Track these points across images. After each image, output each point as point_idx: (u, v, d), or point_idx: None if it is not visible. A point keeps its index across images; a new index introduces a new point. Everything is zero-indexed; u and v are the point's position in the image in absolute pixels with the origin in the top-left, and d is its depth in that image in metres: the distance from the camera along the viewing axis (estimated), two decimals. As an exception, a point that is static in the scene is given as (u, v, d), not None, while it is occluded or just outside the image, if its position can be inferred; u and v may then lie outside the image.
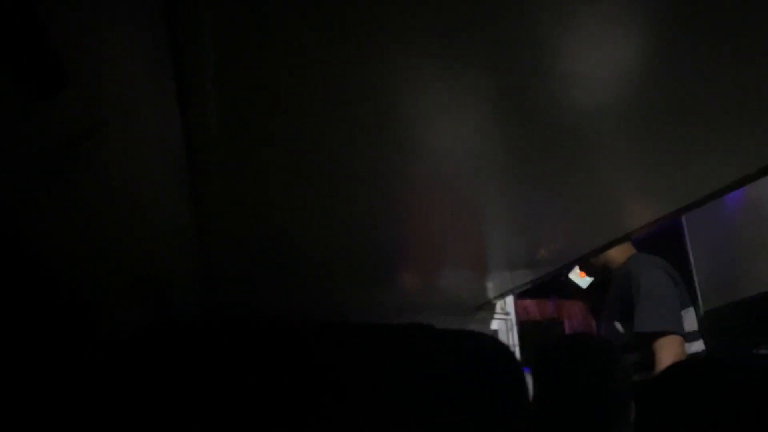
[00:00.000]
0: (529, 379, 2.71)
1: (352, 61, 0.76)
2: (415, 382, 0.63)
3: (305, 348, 0.64)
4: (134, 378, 0.63)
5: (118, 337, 0.94)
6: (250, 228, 1.25)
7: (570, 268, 1.68)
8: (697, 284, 2.79)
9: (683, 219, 2.94)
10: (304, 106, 0.84)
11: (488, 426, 0.63)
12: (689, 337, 2.31)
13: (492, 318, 2.19)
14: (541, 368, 1.53)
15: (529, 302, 4.74)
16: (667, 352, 2.15)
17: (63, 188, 0.73)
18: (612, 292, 2.50)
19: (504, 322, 2.21)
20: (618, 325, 2.42)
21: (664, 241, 2.69)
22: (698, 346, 2.34)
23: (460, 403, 0.63)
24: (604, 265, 2.52)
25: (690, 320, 2.35)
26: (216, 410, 0.59)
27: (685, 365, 0.76)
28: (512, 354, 0.69)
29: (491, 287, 1.95)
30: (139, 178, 0.86)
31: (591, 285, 2.78)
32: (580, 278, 2.75)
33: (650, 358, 2.18)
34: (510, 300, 2.22)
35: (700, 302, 2.76)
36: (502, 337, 2.19)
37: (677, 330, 2.22)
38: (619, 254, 2.43)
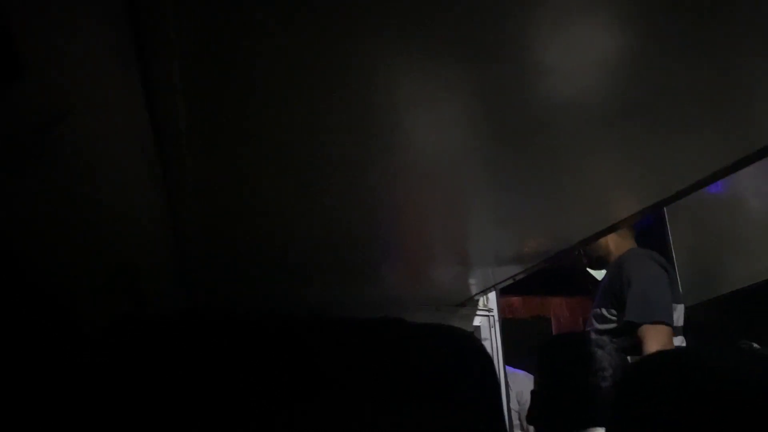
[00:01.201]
0: (516, 378, 2.74)
1: (327, 51, 0.75)
2: (386, 375, 0.62)
3: (284, 340, 0.63)
4: (114, 373, 0.61)
5: (91, 330, 0.92)
6: (226, 221, 1.24)
7: (553, 263, 1.68)
8: (679, 280, 2.81)
9: (666, 215, 2.96)
10: (277, 93, 0.83)
11: (457, 419, 0.62)
12: (675, 333, 2.33)
13: (475, 314, 2.18)
14: (538, 365, 1.56)
15: (514, 299, 4.75)
16: (654, 341, 2.17)
17: (29, 179, 0.72)
18: (604, 280, 2.53)
19: (487, 319, 2.20)
20: (605, 311, 2.43)
21: (646, 238, 2.71)
22: (679, 341, 2.36)
23: (430, 397, 0.62)
24: (599, 257, 2.55)
25: (678, 316, 2.37)
26: (199, 402, 0.58)
27: (667, 353, 0.76)
28: (483, 347, 0.68)
29: (474, 283, 1.94)
30: (108, 169, 0.85)
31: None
32: (594, 271, 2.78)
33: (638, 344, 2.20)
34: (493, 296, 2.21)
35: (682, 298, 2.78)
36: (485, 333, 2.19)
37: (666, 320, 2.23)
38: (618, 247, 2.45)
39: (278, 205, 1.19)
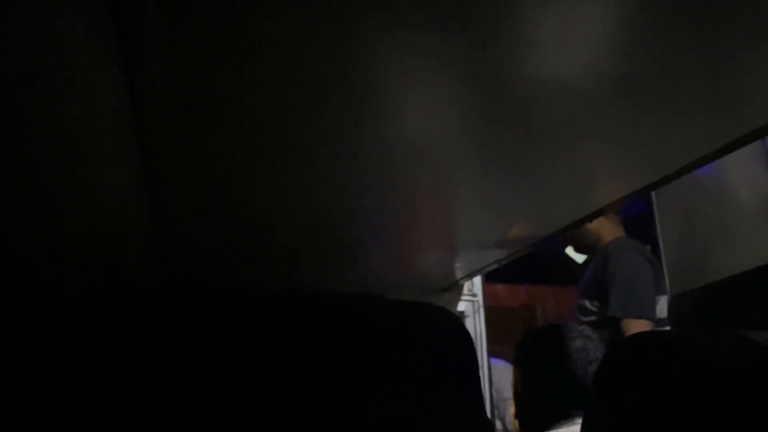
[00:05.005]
0: (496, 369, 2.73)
1: (313, 26, 0.72)
2: (365, 352, 0.61)
3: (263, 317, 0.62)
4: (83, 349, 0.59)
5: (61, 307, 0.90)
6: (207, 197, 1.21)
7: (539, 247, 1.67)
8: (665, 268, 2.81)
9: (653, 203, 2.95)
10: (263, 65, 0.80)
11: (435, 396, 0.61)
12: (658, 324, 2.35)
13: (459, 299, 2.18)
14: (523, 360, 1.55)
15: (500, 287, 4.75)
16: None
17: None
18: (589, 270, 2.54)
19: (471, 304, 2.20)
20: (587, 303, 2.45)
21: (633, 225, 2.71)
22: None
23: (409, 373, 0.62)
24: (588, 245, 2.56)
25: (662, 307, 2.38)
26: (175, 380, 0.56)
27: (639, 340, 0.75)
28: (462, 325, 0.67)
29: (459, 267, 1.94)
30: (82, 139, 0.82)
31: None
32: (575, 254, 2.78)
33: (619, 337, 2.22)
34: (478, 281, 2.21)
35: (668, 286, 2.78)
36: (469, 318, 2.18)
37: (649, 315, 2.27)
38: (607, 235, 2.46)
39: (261, 183, 1.17)
